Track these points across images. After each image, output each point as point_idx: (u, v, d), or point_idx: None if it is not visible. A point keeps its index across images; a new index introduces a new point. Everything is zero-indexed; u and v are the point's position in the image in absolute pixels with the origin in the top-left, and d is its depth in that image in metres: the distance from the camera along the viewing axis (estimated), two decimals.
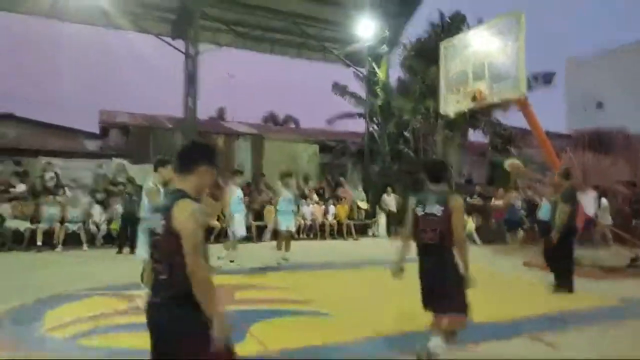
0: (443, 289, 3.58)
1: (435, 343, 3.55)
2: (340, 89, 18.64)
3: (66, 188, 11.42)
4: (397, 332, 4.76)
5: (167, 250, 2.09)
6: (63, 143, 15.48)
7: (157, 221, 2.16)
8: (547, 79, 16.07)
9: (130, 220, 9.12)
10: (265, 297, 6.24)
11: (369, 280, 7.46)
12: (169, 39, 15.04)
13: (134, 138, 15.22)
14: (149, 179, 5.69)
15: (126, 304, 5.59)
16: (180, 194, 2.16)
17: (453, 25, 16.14)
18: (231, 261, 8.33)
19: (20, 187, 11.22)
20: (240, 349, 2.89)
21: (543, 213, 9.36)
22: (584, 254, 8.91)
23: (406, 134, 17.30)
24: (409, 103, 16.59)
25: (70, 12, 13.78)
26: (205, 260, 2.12)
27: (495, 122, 17.39)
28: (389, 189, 14.93)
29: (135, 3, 13.94)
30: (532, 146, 14.89)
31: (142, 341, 4.42)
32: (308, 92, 42.79)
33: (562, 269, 7.00)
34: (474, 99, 8.44)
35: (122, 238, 9.88)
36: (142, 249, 5.48)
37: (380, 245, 12.78)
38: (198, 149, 2.37)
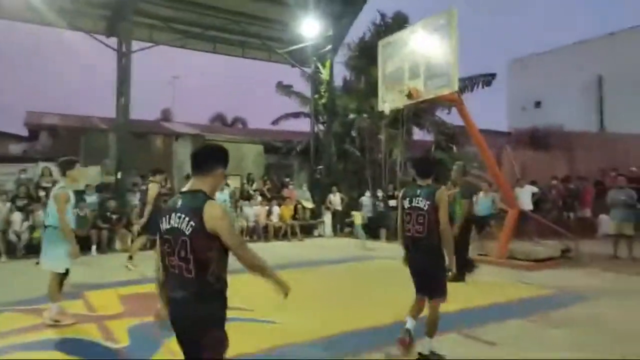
0: (434, 279, 3.90)
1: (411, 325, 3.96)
2: (284, 89, 18.45)
3: None
4: (339, 333, 4.69)
5: (199, 250, 2.21)
6: None
7: (183, 221, 2.24)
8: (487, 80, 16.56)
9: None
10: None
11: (311, 282, 7.26)
12: (102, 37, 14.28)
13: (63, 140, 14.32)
14: (58, 184, 5.22)
15: (35, 320, 5.11)
16: (204, 196, 2.32)
17: (395, 24, 16.27)
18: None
19: None
20: None
21: (479, 209, 9.66)
22: (518, 247, 9.17)
23: (352, 133, 17.29)
24: (353, 102, 16.65)
25: None
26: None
27: (439, 121, 17.73)
28: (334, 188, 14.86)
29: None
30: (473, 144, 15.22)
31: None
32: (256, 92, 42.36)
33: (460, 260, 7.16)
34: (409, 96, 8.42)
35: None
36: (63, 260, 5.03)
37: (325, 245, 12.66)
38: (215, 152, 2.51)
